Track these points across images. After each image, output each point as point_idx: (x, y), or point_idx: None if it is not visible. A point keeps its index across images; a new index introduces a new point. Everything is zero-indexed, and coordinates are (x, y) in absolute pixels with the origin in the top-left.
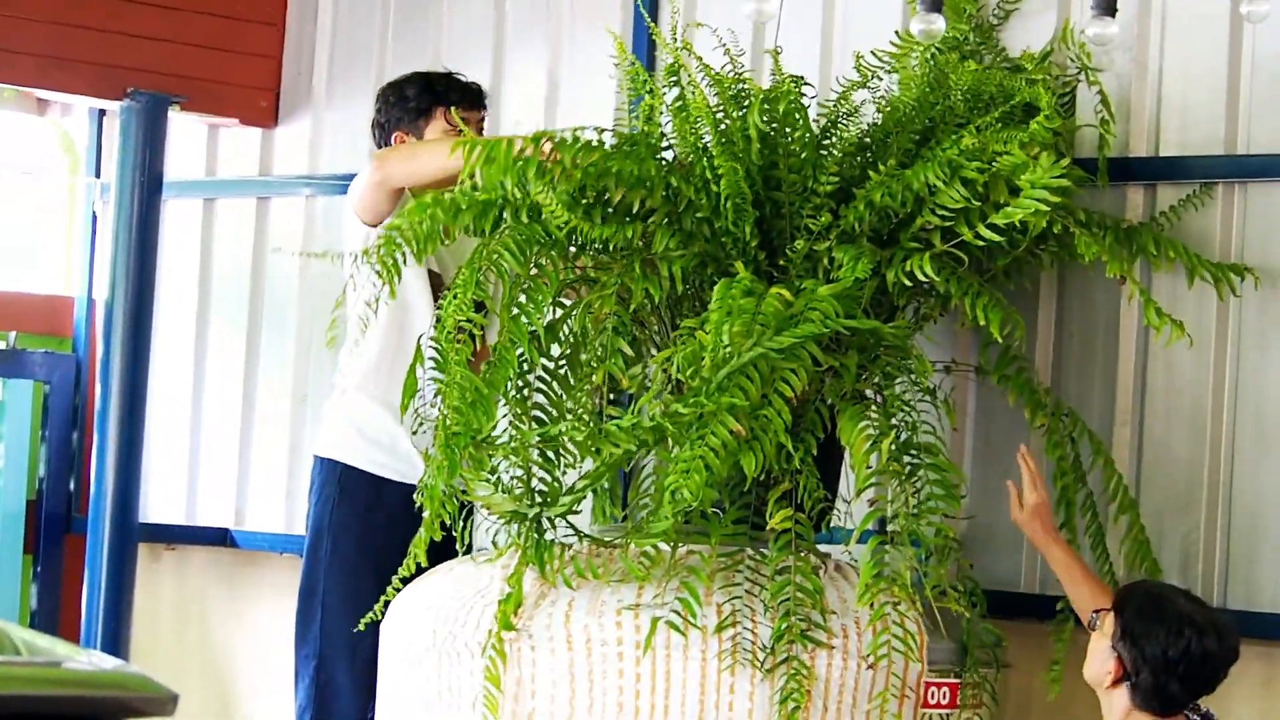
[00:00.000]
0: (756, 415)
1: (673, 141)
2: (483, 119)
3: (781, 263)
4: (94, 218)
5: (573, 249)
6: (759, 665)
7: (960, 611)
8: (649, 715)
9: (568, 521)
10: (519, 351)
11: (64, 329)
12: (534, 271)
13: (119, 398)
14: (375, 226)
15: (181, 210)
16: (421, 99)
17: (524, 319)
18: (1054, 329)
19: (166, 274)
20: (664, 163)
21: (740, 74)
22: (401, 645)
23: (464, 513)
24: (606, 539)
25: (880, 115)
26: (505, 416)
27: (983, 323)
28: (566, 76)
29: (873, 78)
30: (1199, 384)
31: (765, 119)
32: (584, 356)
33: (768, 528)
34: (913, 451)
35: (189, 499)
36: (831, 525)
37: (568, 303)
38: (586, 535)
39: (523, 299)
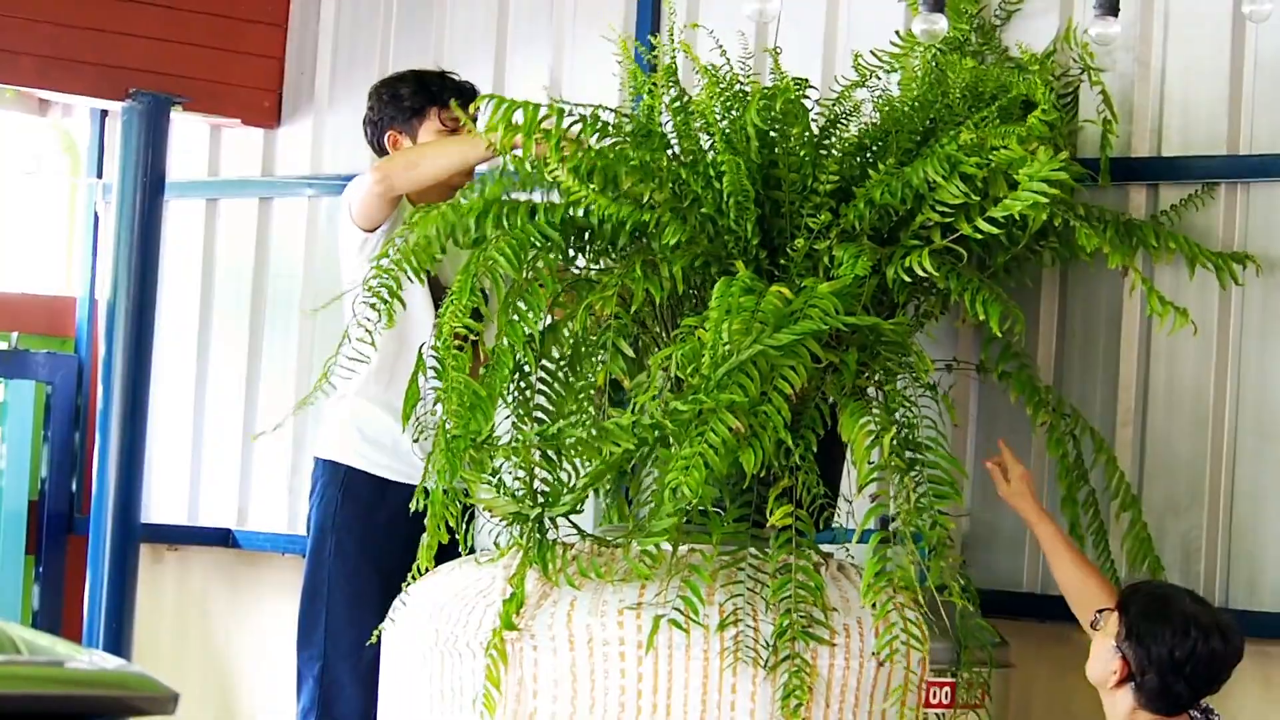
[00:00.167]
0: (756, 412)
1: (674, 140)
2: (476, 119)
3: (782, 262)
4: (96, 218)
5: (571, 250)
6: (761, 663)
7: (964, 605)
8: (650, 714)
9: (570, 521)
10: (516, 356)
11: (66, 329)
12: (530, 275)
13: (121, 398)
14: (372, 232)
15: (184, 211)
16: (415, 99)
17: (520, 323)
18: (1056, 327)
19: (169, 274)
20: (673, 156)
21: (740, 74)
22: (404, 645)
23: (466, 515)
24: (609, 539)
25: (880, 115)
26: (509, 419)
27: (982, 317)
28: (568, 77)
29: (871, 76)
30: (1201, 382)
31: (763, 118)
32: (585, 351)
33: (768, 525)
34: (913, 447)
35: (191, 499)
36: (834, 525)
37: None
38: (589, 535)
39: (519, 304)
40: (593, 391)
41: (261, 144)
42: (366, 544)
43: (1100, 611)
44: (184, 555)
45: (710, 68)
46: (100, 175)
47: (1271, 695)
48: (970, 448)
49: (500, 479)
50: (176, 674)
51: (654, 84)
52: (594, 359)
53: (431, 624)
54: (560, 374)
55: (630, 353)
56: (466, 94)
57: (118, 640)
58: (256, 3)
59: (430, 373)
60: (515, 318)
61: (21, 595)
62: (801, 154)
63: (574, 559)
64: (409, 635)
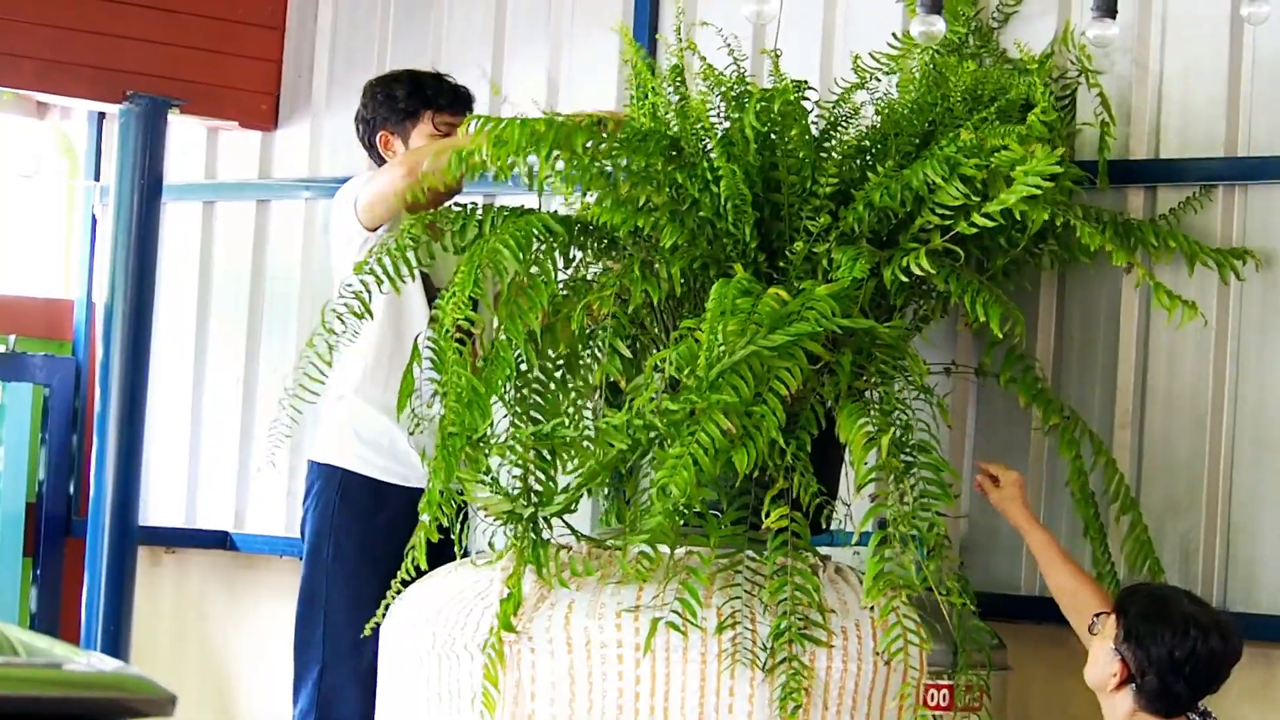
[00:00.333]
0: (750, 413)
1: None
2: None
3: (781, 264)
4: (94, 221)
5: (573, 249)
6: (759, 665)
7: (962, 604)
8: (649, 717)
9: (565, 522)
10: (516, 353)
11: (64, 332)
12: (533, 270)
13: (119, 401)
14: (373, 231)
15: (181, 213)
16: (410, 101)
17: (521, 319)
18: (1054, 330)
19: (166, 277)
20: (671, 159)
21: (740, 75)
22: (401, 648)
23: (460, 515)
24: (605, 541)
25: (879, 118)
26: (506, 417)
27: (982, 318)
28: (567, 78)
29: (870, 79)
30: (1199, 384)
31: (762, 120)
32: (581, 350)
33: (764, 526)
34: (908, 450)
35: (189, 502)
36: (832, 528)
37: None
38: (585, 537)
39: (520, 301)
40: (587, 389)
41: (259, 147)
42: (365, 547)
43: (1098, 615)
44: (182, 558)
45: (709, 68)
46: (98, 178)
47: (1269, 697)
48: (968, 451)
49: (495, 478)
50: (174, 676)
51: (653, 86)
52: (590, 358)
53: (429, 626)
54: (557, 373)
55: (627, 353)
56: (462, 98)
57: (115, 642)
58: (254, 5)
59: (426, 364)
60: (516, 313)
61: (19, 597)
62: (801, 156)
63: (570, 560)
64: (407, 638)
